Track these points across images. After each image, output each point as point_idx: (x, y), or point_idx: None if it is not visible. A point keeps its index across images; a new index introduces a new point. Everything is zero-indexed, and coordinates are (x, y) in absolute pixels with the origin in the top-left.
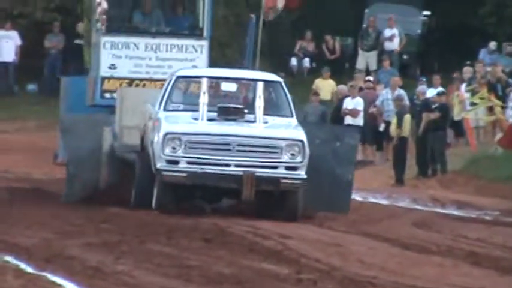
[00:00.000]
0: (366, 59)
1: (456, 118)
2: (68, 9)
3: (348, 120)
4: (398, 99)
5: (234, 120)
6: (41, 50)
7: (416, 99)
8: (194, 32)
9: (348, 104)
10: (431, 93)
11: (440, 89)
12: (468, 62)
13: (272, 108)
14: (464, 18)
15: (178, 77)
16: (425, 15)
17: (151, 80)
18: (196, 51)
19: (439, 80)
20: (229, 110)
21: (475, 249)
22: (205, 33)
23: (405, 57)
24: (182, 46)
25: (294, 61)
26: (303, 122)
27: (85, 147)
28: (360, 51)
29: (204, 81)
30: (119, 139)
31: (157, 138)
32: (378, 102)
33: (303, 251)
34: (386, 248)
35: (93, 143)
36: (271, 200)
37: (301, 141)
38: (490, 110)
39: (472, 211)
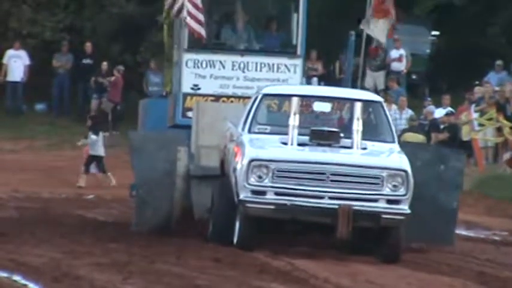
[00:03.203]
0: (374, 79)
1: (465, 138)
2: (77, 29)
3: None
4: (411, 119)
5: (328, 145)
6: (50, 69)
7: (423, 119)
8: (287, 49)
9: None
10: (439, 113)
11: (449, 109)
12: (477, 82)
13: (371, 132)
14: (473, 39)
15: (265, 95)
16: (434, 36)
17: (239, 97)
18: (289, 70)
19: (448, 100)
20: (323, 133)
21: (484, 270)
22: (299, 51)
23: (414, 77)
24: (273, 65)
25: (302, 81)
26: (403, 142)
27: (157, 168)
28: (368, 71)
29: (295, 100)
30: (196, 160)
31: (241, 165)
32: None
33: (312, 271)
34: (396, 268)
35: (166, 164)
36: (369, 236)
37: (405, 171)
38: (499, 130)
39: (481, 231)
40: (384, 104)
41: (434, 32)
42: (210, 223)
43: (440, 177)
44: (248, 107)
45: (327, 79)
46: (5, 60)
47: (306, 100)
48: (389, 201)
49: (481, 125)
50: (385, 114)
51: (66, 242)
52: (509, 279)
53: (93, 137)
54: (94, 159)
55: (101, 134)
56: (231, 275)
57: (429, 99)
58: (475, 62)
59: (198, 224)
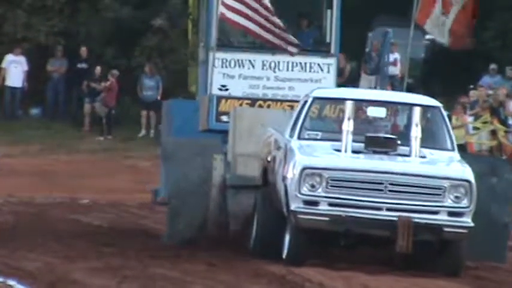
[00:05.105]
0: (368, 82)
1: (456, 142)
2: (71, 33)
3: None
4: None
5: (385, 153)
6: (44, 74)
7: None
8: (320, 48)
9: None
10: None
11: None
12: (471, 86)
13: (429, 139)
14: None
15: (316, 99)
16: (428, 40)
17: (276, 100)
18: (322, 70)
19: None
20: (380, 140)
21: (480, 274)
22: (332, 50)
23: (409, 81)
24: (306, 64)
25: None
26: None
27: (191, 177)
28: (363, 75)
29: (349, 104)
30: (233, 169)
31: (292, 173)
32: None
33: (307, 276)
34: (393, 272)
35: (200, 173)
36: (428, 250)
37: (469, 181)
38: (493, 134)
39: None
40: (443, 110)
41: (428, 36)
42: (253, 236)
43: (492, 189)
44: (296, 111)
45: None
46: (3, 65)
47: (360, 104)
48: (451, 214)
49: (475, 128)
50: (444, 121)
51: (61, 247)
52: (504, 283)
53: None
54: None
55: None
56: (225, 279)
57: None
58: (470, 66)
59: (232, 236)
